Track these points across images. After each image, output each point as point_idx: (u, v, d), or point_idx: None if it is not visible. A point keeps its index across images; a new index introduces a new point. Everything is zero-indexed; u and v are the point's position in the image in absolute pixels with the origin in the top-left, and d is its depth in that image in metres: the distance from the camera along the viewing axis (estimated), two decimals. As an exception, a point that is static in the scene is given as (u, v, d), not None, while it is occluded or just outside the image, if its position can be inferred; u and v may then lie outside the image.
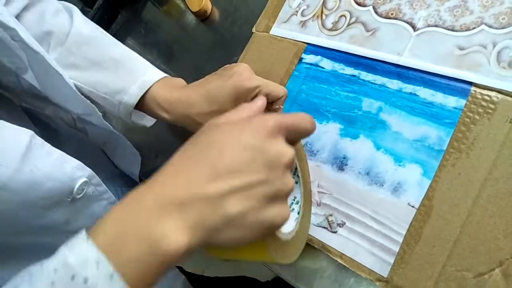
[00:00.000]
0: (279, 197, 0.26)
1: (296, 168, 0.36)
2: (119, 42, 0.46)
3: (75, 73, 0.44)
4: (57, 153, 0.35)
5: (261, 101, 0.29)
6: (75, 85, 0.44)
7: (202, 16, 0.59)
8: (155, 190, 0.24)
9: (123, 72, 0.44)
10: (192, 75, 0.45)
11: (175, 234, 0.23)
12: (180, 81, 0.45)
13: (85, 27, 0.45)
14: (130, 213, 0.24)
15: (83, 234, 0.23)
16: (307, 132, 0.29)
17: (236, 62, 0.51)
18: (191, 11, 0.58)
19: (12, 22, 0.35)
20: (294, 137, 0.28)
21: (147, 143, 0.59)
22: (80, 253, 0.22)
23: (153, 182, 0.25)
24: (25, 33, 0.36)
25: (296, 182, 0.37)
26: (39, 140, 0.34)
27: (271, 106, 0.41)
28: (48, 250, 0.39)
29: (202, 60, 0.57)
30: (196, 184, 0.24)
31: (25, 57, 0.39)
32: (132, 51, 0.46)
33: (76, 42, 0.44)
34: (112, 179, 0.43)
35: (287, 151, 0.26)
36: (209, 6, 0.58)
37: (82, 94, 0.44)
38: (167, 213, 0.23)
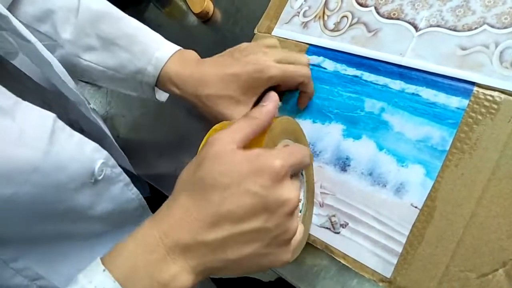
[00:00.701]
0: (281, 241, 0.27)
1: None
2: (130, 16, 0.46)
3: (94, 56, 0.44)
4: (77, 135, 0.36)
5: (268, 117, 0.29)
6: (97, 69, 0.44)
7: (204, 18, 0.59)
8: (163, 232, 0.26)
9: (137, 49, 0.44)
10: (194, 76, 0.45)
11: (183, 275, 0.26)
12: (193, 54, 0.45)
13: (94, 2, 0.45)
14: (142, 251, 0.26)
15: (99, 266, 0.25)
16: (306, 166, 0.30)
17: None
18: (193, 12, 0.59)
19: (2, 8, 0.35)
20: (295, 171, 0.29)
21: (150, 142, 0.59)
22: (98, 283, 0.24)
23: (160, 222, 0.27)
24: (16, 21, 0.36)
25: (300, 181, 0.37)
26: (60, 123, 0.35)
27: (301, 87, 0.42)
28: (71, 239, 0.41)
29: (204, 61, 0.58)
30: (199, 231, 0.25)
31: (15, 43, 0.39)
32: (144, 25, 0.46)
33: (89, 20, 0.44)
34: None
35: (291, 197, 0.26)
36: (211, 7, 0.58)
37: (106, 76, 0.45)
38: (174, 255, 0.26)
